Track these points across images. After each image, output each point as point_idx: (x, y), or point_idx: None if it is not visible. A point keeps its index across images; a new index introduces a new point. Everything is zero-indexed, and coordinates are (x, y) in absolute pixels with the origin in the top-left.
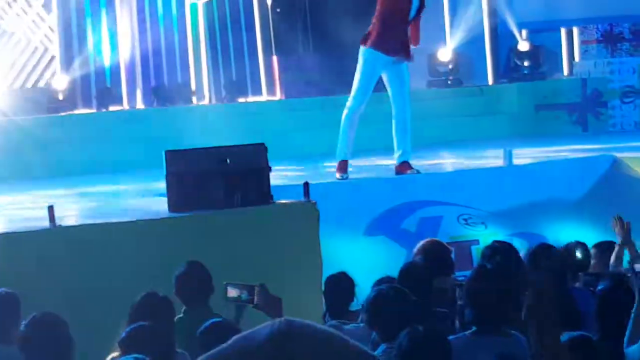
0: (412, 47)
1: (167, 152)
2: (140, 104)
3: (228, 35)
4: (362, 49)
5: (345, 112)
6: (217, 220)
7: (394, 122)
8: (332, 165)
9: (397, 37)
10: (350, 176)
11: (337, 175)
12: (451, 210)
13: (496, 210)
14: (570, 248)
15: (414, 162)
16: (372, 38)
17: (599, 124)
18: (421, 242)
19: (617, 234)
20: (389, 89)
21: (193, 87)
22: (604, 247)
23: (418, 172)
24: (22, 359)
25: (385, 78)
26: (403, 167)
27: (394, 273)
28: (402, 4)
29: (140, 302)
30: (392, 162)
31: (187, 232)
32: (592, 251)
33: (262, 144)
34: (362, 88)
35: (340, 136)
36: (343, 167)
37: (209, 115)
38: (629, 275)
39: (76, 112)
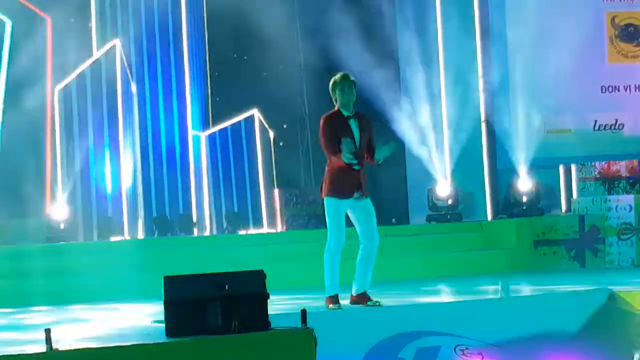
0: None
1: (166, 278)
2: (141, 234)
3: (230, 168)
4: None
5: (325, 251)
6: (214, 346)
7: (359, 255)
8: None
9: (349, 180)
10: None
11: (330, 306)
12: (449, 340)
13: (493, 342)
14: None
15: (411, 294)
16: (326, 188)
17: (597, 260)
18: None
19: None
20: (356, 226)
21: (194, 218)
22: None
23: (379, 304)
24: None
25: (351, 217)
26: (361, 298)
27: None
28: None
29: None
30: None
31: (184, 357)
32: None
33: (261, 270)
34: (333, 230)
35: (325, 273)
36: (335, 300)
37: (209, 245)
38: None
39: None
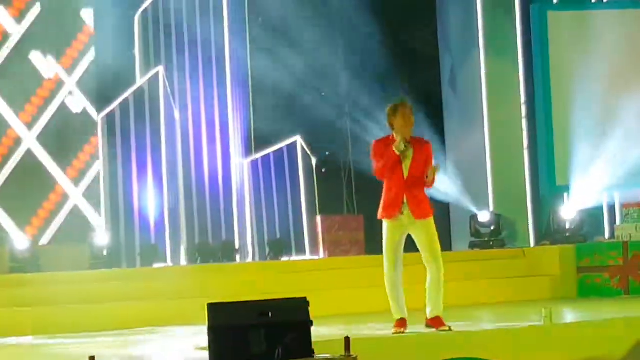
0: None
1: (210, 305)
2: (183, 261)
3: (273, 194)
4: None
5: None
6: None
7: (428, 278)
8: (374, 323)
9: (397, 201)
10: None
11: (393, 330)
12: None
13: None
14: None
15: (452, 321)
16: (381, 209)
17: None
18: None
19: None
20: (420, 249)
21: (237, 244)
22: None
23: (450, 329)
24: None
25: (415, 239)
26: (435, 321)
27: None
28: (393, 173)
29: None
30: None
31: None
32: None
33: (304, 298)
34: (388, 253)
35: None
36: (401, 324)
37: (252, 272)
38: None
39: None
